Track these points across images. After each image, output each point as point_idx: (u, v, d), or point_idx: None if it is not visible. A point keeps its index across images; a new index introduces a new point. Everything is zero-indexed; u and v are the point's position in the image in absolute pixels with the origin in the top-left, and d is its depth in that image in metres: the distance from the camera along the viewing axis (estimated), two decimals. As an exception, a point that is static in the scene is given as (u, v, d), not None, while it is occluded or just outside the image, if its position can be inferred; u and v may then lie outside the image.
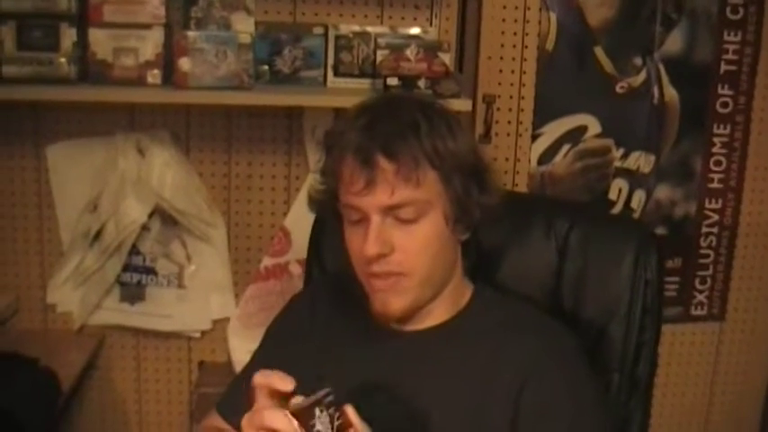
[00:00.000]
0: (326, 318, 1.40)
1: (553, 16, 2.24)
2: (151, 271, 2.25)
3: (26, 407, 1.81)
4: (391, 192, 1.19)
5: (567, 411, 1.21)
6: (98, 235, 2.17)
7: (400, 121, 1.21)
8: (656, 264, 1.43)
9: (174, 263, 2.25)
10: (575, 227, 1.47)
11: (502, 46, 2.24)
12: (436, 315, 1.31)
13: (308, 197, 1.49)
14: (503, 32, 2.23)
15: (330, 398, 0.97)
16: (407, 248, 1.22)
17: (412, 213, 1.21)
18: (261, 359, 1.40)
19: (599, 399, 1.32)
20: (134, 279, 2.25)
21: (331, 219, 1.34)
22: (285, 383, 1.02)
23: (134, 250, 2.21)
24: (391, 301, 1.26)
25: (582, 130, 2.32)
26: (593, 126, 2.32)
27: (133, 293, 2.25)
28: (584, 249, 1.45)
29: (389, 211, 1.21)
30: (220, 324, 2.30)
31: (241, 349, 2.21)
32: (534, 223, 1.49)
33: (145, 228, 2.18)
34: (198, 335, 2.31)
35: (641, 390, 1.43)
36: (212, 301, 2.29)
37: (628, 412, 1.43)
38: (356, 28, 2.11)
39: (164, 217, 2.19)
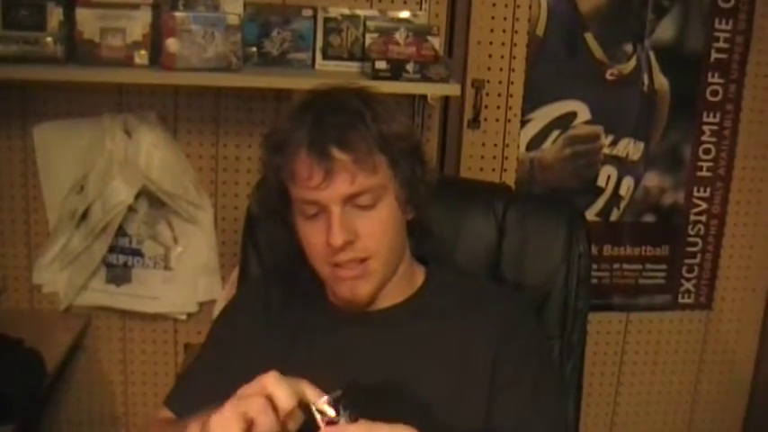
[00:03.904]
0: (283, 309, 1.40)
1: (544, 1, 2.23)
2: (138, 252, 2.24)
3: (11, 387, 1.80)
4: (351, 180, 1.22)
5: (533, 368, 1.29)
6: (84, 216, 2.16)
7: (346, 112, 1.25)
8: (586, 237, 1.56)
9: (160, 245, 2.24)
10: (511, 206, 1.58)
11: (492, 31, 2.23)
12: (394, 294, 1.35)
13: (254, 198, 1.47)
14: (493, 17, 2.22)
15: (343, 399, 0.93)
16: (371, 233, 1.26)
17: (370, 199, 1.25)
18: (217, 356, 1.39)
19: (550, 355, 1.50)
20: (120, 261, 2.24)
21: (273, 216, 1.36)
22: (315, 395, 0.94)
23: (121, 232, 2.20)
24: (360, 286, 1.29)
25: (571, 116, 2.32)
26: (583, 112, 2.32)
27: (119, 275, 2.25)
28: (522, 226, 1.57)
29: (349, 199, 1.23)
30: (207, 306, 2.30)
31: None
32: (474, 205, 1.60)
33: (132, 209, 2.17)
34: (184, 317, 2.31)
35: (577, 355, 1.56)
36: (199, 284, 2.28)
37: (566, 377, 1.55)
38: (345, 11, 2.09)
39: (151, 198, 2.18)
